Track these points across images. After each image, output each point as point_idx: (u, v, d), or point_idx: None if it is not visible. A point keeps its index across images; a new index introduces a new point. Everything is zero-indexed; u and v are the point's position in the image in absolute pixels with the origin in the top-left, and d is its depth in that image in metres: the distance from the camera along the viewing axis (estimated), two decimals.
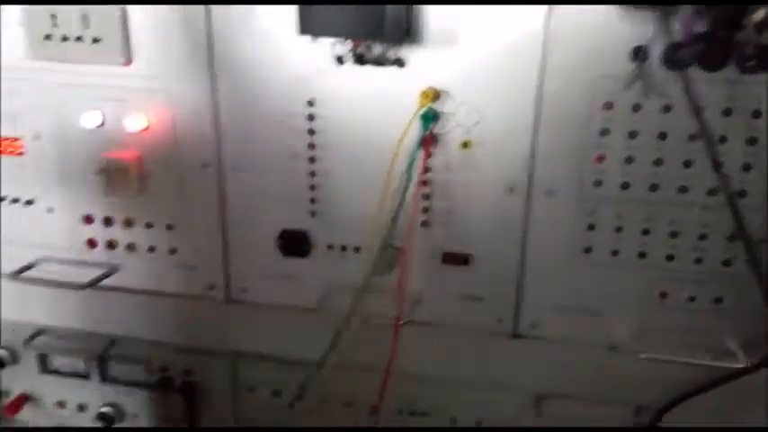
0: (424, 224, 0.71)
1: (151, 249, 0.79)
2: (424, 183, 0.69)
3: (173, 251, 0.79)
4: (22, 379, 0.90)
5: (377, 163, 0.70)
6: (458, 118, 0.67)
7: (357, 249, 0.75)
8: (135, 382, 0.86)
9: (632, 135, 0.65)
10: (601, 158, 0.66)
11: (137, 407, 0.88)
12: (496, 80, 0.65)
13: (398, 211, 0.69)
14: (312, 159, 0.72)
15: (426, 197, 0.70)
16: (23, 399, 0.91)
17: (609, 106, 0.64)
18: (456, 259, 0.72)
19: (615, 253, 0.69)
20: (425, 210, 0.71)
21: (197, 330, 0.81)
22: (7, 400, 0.90)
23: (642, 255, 0.68)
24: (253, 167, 0.74)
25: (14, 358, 0.89)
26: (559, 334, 0.73)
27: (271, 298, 0.79)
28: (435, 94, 0.66)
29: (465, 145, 0.68)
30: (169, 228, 0.78)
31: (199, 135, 0.73)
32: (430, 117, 0.66)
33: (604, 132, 0.65)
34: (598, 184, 0.67)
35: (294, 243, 0.76)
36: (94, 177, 0.76)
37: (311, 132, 0.71)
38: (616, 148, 0.65)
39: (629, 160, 0.66)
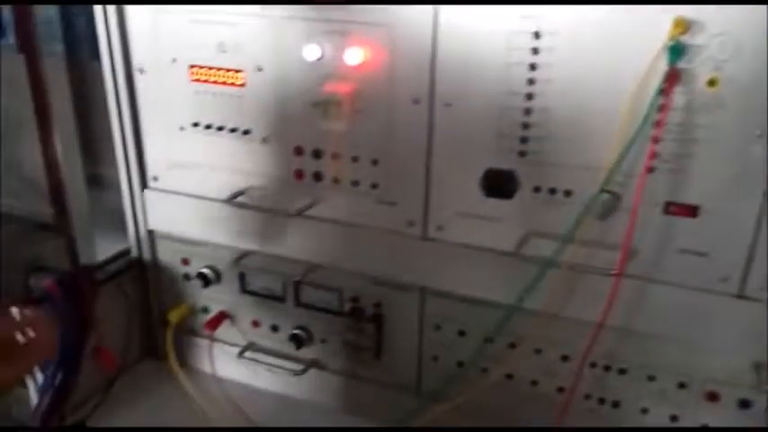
0: (650, 170, 0.67)
1: (355, 183, 0.82)
2: (658, 124, 0.64)
3: (375, 186, 0.81)
4: (222, 297, 0.98)
5: (604, 100, 0.66)
6: (709, 52, 0.61)
7: (568, 193, 0.72)
8: (327, 308, 0.91)
9: None
10: None
11: (326, 332, 0.93)
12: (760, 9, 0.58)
13: (625, 153, 0.65)
14: (530, 96, 0.69)
15: (656, 140, 0.65)
16: (222, 316, 0.99)
17: None
18: (683, 210, 0.67)
19: None
20: (654, 155, 0.66)
21: (391, 264, 0.83)
22: (208, 317, 0.99)
23: None
24: (465, 104, 0.72)
25: (218, 278, 0.97)
26: None
27: (468, 238, 0.78)
28: (687, 25, 0.60)
29: (712, 83, 0.62)
30: (374, 163, 0.79)
31: (414, 70, 0.73)
32: (678, 50, 0.60)
33: None
34: None
35: (499, 183, 0.74)
36: (310, 110, 0.79)
37: (533, 67, 0.68)
38: None
39: None
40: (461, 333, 0.85)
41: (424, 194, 0.79)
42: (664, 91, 0.62)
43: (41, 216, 1.11)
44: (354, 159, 0.80)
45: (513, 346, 0.82)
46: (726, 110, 0.62)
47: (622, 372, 0.78)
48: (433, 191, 0.78)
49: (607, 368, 0.79)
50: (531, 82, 0.69)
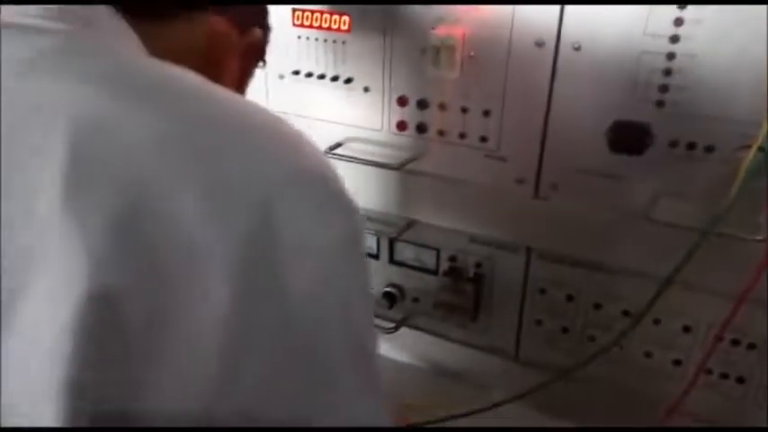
0: None
1: (462, 136, 0.76)
2: None
3: (484, 139, 0.75)
4: None
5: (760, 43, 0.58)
6: None
7: (710, 149, 0.64)
8: (423, 267, 0.88)
9: None
10: None
11: (420, 291, 0.90)
12: None
13: None
14: (675, 38, 0.62)
15: None
16: None
17: None
18: None
19: None
20: None
21: (496, 223, 0.79)
22: None
23: None
24: (598, 46, 0.65)
25: None
26: None
27: (584, 198, 0.72)
28: None
29: None
30: (485, 114, 0.74)
31: (538, 8, 0.66)
32: None
33: None
34: None
35: (629, 137, 0.67)
36: (417, 57, 0.73)
37: (681, 6, 0.60)
38: None
39: None
40: (570, 298, 0.80)
41: (539, 149, 0.73)
42: None
43: None
44: (464, 110, 0.75)
45: (626, 313, 0.77)
46: None
47: (751, 347, 0.72)
48: (549, 145, 0.72)
49: (735, 342, 0.72)
50: (678, 22, 0.61)
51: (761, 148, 0.61)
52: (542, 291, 0.81)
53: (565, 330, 0.82)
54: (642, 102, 0.65)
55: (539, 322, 0.83)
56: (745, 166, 0.60)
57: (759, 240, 0.62)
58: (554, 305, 0.81)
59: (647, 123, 0.66)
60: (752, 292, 0.63)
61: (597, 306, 0.78)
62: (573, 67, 0.67)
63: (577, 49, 0.66)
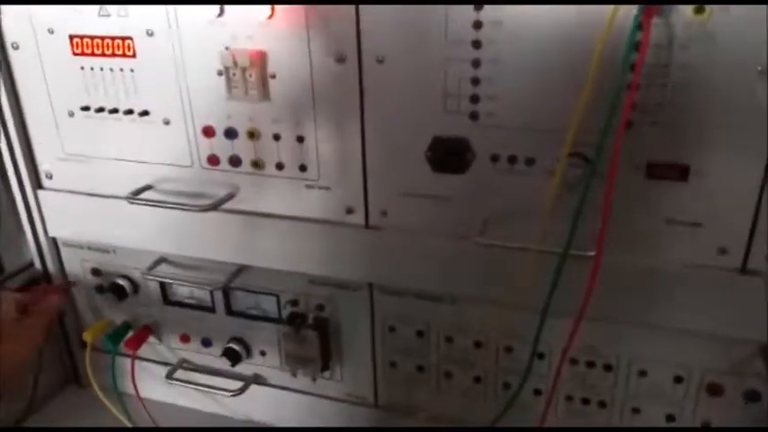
0: (629, 125, 0.54)
1: (279, 166, 0.68)
2: (632, 67, 0.52)
3: (303, 168, 0.67)
4: (144, 311, 0.84)
5: (568, 42, 0.53)
6: None
7: (530, 162, 0.59)
8: (264, 316, 0.78)
9: None
10: None
11: (265, 343, 0.80)
12: None
13: (611, 111, 0.52)
14: (477, 44, 0.56)
15: (635, 87, 0.53)
16: (146, 332, 0.85)
17: None
18: (670, 172, 0.55)
19: None
20: (632, 106, 0.53)
21: (332, 260, 0.70)
22: (128, 335, 0.85)
23: None
24: (401, 59, 0.59)
25: (135, 289, 0.83)
26: None
27: (417, 223, 0.65)
28: None
29: (699, 11, 0.49)
30: (299, 140, 0.66)
31: (335, 22, 0.59)
32: None
33: None
34: None
35: (449, 154, 0.61)
36: (216, 80, 0.64)
37: (478, 6, 0.55)
38: None
39: None
40: (420, 334, 0.72)
41: (361, 174, 0.66)
42: (643, 24, 0.49)
43: None
44: (275, 137, 0.67)
45: (478, 344, 0.70)
46: (719, 44, 0.50)
47: (608, 368, 0.67)
48: (371, 170, 0.65)
49: (590, 364, 0.67)
50: (477, 25, 0.56)
51: (583, 157, 0.56)
52: (392, 329, 0.74)
53: (420, 369, 0.74)
54: (459, 116, 0.60)
55: (393, 364, 0.75)
56: (558, 178, 0.55)
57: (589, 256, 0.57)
58: (407, 342, 0.73)
59: (466, 138, 0.61)
60: (586, 311, 0.57)
61: (449, 339, 0.71)
62: (379, 83, 0.61)
63: (381, 61, 0.60)
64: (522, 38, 0.55)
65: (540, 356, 0.68)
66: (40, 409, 0.88)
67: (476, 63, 0.57)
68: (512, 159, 0.60)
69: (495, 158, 0.60)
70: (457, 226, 0.64)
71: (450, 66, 0.58)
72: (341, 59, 0.61)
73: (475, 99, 0.58)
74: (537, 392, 0.70)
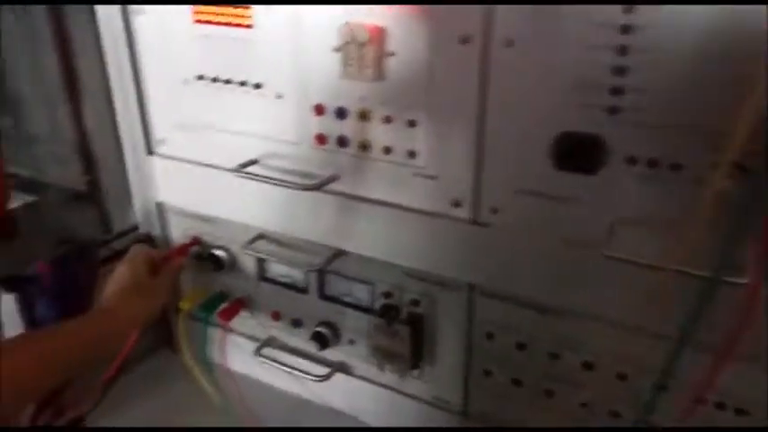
0: None
1: (387, 150, 0.64)
2: None
3: (412, 154, 0.63)
4: (239, 284, 0.85)
5: (738, 29, 0.45)
6: None
7: (676, 167, 0.51)
8: (356, 304, 0.75)
9: None
10: None
11: (355, 332, 0.77)
12: None
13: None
14: (626, 29, 0.49)
15: None
16: (239, 305, 0.86)
17: None
18: None
19: None
20: None
21: (432, 254, 0.66)
22: (222, 306, 0.86)
23: None
24: (533, 42, 0.53)
25: (232, 261, 0.83)
26: None
27: (532, 224, 0.59)
28: None
29: None
30: (410, 124, 0.62)
31: None
32: None
33: None
34: None
35: (578, 152, 0.55)
36: (331, 57, 0.61)
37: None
38: None
39: None
40: (521, 346, 0.66)
41: (474, 166, 0.60)
42: None
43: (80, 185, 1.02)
44: (386, 120, 0.63)
45: (588, 366, 0.63)
46: None
47: (740, 412, 0.58)
48: (486, 161, 0.60)
49: (720, 406, 0.58)
50: (627, 11, 0.48)
51: (740, 167, 0.48)
52: (489, 335, 0.68)
53: (517, 383, 0.68)
54: (594, 109, 0.53)
55: (487, 372, 0.70)
56: (718, 187, 0.47)
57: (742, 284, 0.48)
58: (504, 353, 0.68)
59: (599, 135, 0.53)
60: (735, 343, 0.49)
61: (554, 355, 0.65)
62: (507, 66, 0.55)
63: (510, 44, 0.54)
64: (682, 23, 0.47)
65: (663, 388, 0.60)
66: (132, 369, 0.90)
67: (622, 50, 0.50)
68: (652, 163, 0.52)
69: (632, 160, 0.53)
70: (578, 232, 0.57)
71: (590, 52, 0.51)
72: (465, 40, 0.55)
73: (616, 91, 0.51)
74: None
